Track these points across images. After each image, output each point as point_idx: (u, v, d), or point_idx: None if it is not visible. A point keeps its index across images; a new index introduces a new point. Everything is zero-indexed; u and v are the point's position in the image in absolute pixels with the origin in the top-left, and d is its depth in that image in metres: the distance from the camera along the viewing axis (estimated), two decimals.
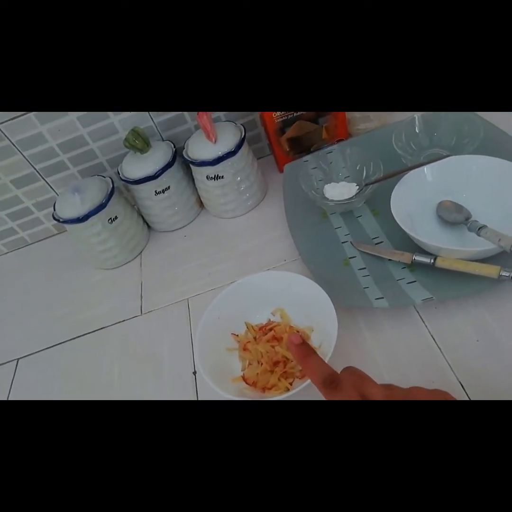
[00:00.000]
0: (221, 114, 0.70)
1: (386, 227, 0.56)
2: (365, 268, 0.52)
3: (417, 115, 0.60)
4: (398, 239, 0.53)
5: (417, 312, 0.48)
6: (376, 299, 0.48)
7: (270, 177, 0.72)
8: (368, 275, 0.51)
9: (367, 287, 0.49)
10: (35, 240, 0.82)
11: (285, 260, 0.59)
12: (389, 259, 0.52)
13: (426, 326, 0.47)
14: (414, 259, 0.49)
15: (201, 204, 0.72)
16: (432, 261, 0.47)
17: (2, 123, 0.65)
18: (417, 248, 0.50)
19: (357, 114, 0.67)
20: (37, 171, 0.72)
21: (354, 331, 0.49)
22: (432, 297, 0.46)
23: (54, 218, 0.64)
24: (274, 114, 0.64)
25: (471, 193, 0.52)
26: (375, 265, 0.52)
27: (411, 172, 0.53)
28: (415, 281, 0.48)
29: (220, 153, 0.61)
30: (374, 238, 0.55)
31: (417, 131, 0.60)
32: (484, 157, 0.51)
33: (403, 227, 0.48)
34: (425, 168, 0.53)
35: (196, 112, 0.61)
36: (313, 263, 0.54)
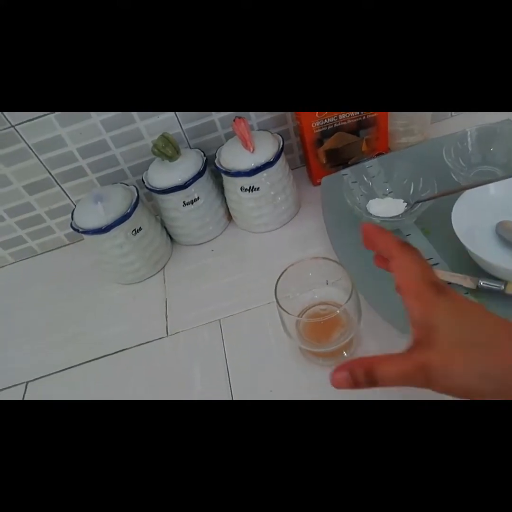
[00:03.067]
0: (254, 123, 0.66)
1: (439, 247, 0.52)
2: None
3: (470, 129, 0.56)
4: (454, 260, 0.49)
5: None
6: None
7: (302, 191, 0.68)
8: None
9: None
10: (45, 250, 0.76)
11: (326, 282, 0.54)
12: (449, 283, 0.47)
13: None
14: (481, 284, 0.45)
15: (229, 217, 0.67)
16: (502, 287, 0.43)
17: (19, 124, 0.60)
18: (477, 271, 0.46)
19: (400, 128, 0.63)
20: (53, 177, 0.67)
21: None
22: None
23: (73, 228, 0.59)
24: (314, 124, 0.60)
25: None
26: None
27: (473, 190, 0.49)
28: None
29: (257, 163, 0.57)
30: (428, 260, 0.51)
31: (469, 146, 0.57)
32: None
33: (472, 249, 0.44)
34: (491, 186, 0.49)
35: (233, 119, 0.57)
36: (363, 287, 0.49)
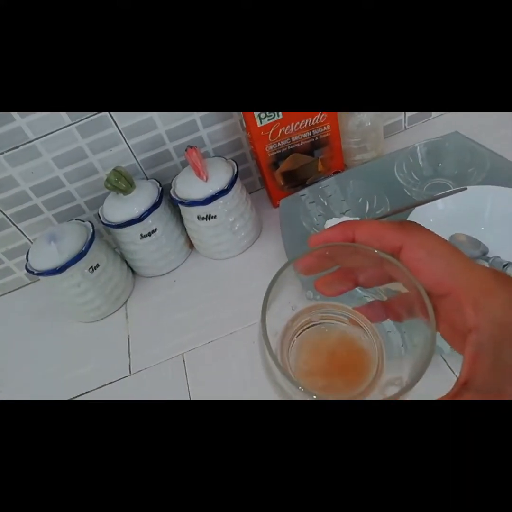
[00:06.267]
0: (209, 149, 0.66)
1: None
2: None
3: (418, 144, 0.57)
4: None
5: (444, 360, 0.43)
6: (401, 346, 0.42)
7: (263, 213, 0.68)
8: None
9: (389, 332, 0.44)
10: (6, 291, 0.74)
11: (292, 308, 0.54)
12: None
13: (455, 375, 0.42)
14: None
15: (190, 245, 0.66)
16: None
17: None
18: None
19: (353, 145, 0.64)
20: (7, 217, 0.65)
21: None
22: None
23: (28, 270, 0.57)
24: (267, 148, 0.60)
25: (489, 227, 0.48)
26: None
27: (424, 205, 0.49)
28: None
29: (212, 192, 0.57)
30: None
31: (419, 161, 0.58)
32: (504, 189, 0.48)
33: None
34: (439, 201, 0.49)
35: (185, 149, 0.57)
36: None
